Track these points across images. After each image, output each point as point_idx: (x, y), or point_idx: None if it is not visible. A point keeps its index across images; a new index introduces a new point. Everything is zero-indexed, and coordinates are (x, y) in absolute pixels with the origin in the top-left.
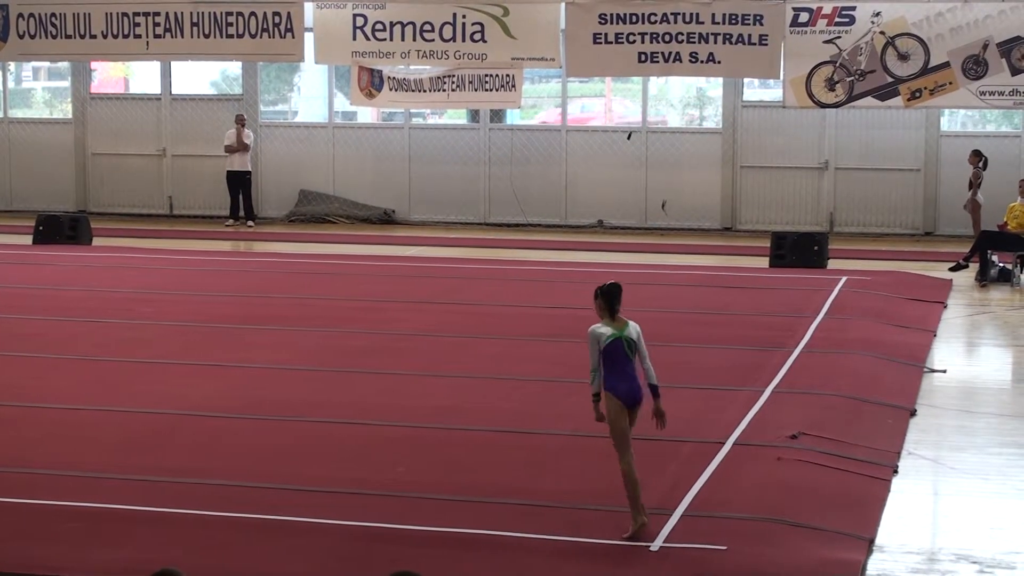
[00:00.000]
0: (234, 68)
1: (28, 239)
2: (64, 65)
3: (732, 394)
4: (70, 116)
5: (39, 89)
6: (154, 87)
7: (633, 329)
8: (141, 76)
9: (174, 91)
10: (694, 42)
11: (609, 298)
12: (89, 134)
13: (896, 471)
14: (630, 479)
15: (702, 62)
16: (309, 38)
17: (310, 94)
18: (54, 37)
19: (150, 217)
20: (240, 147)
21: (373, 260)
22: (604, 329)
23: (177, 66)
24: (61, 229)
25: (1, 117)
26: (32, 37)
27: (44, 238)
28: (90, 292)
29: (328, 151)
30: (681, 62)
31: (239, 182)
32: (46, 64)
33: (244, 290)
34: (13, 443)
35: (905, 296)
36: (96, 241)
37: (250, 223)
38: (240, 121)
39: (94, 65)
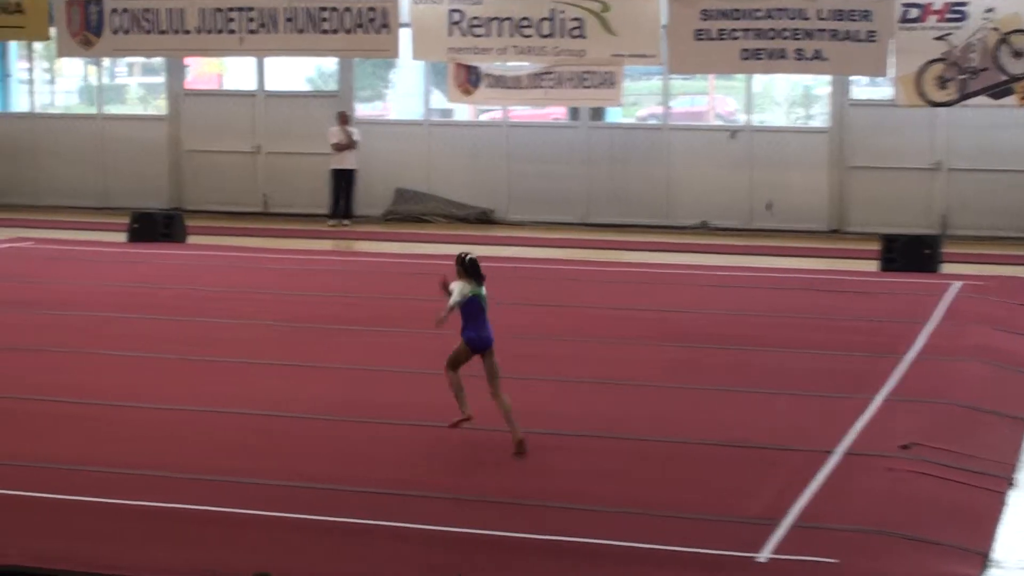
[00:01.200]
0: (329, 64)
1: (123, 236)
2: (158, 61)
3: (841, 401)
4: (164, 112)
5: (133, 85)
6: (249, 83)
7: (483, 287)
8: (235, 72)
9: (268, 87)
10: (799, 38)
11: (473, 269)
12: (183, 130)
13: (1012, 483)
14: (454, 381)
15: (808, 59)
16: (405, 34)
17: (406, 91)
18: (148, 33)
19: (244, 215)
20: (349, 144)
21: None
22: (467, 287)
23: (271, 62)
24: (156, 227)
25: (95, 113)
26: (126, 33)
27: (139, 236)
28: (186, 291)
29: (424, 149)
30: (786, 59)
31: (345, 180)
32: (140, 60)
33: (341, 290)
34: (106, 442)
35: (1022, 302)
36: (190, 239)
37: (346, 222)
38: (343, 119)
39: (188, 61)
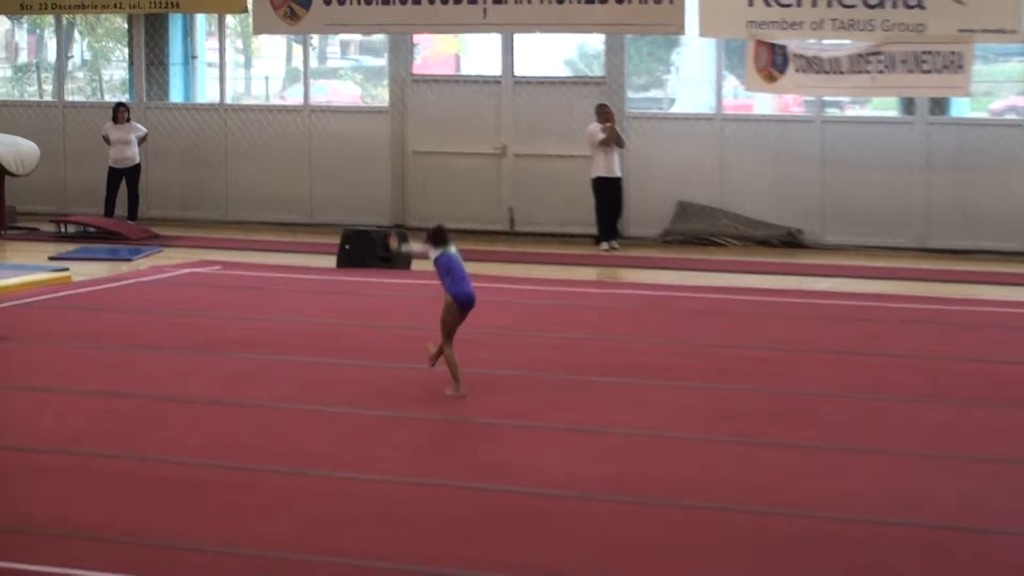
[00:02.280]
0: (595, 43)
1: (331, 261)
2: (379, 39)
3: None
4: (386, 104)
5: (348, 69)
6: (493, 67)
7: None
8: (476, 53)
9: (518, 73)
10: None
11: (439, 235)
12: (410, 127)
13: None
14: (451, 359)
15: None
16: (691, 5)
17: (691, 77)
18: (368, 3)
19: (485, 234)
20: (616, 144)
21: (774, 296)
22: (435, 250)
23: (521, 40)
24: (372, 249)
25: (300, 105)
26: (340, 3)
27: (351, 260)
28: (410, 331)
29: (715, 151)
30: None
31: (613, 191)
32: (357, 37)
33: (604, 331)
34: (320, 524)
35: None
36: (417, 265)
37: (614, 244)
38: (605, 113)
39: (417, 39)
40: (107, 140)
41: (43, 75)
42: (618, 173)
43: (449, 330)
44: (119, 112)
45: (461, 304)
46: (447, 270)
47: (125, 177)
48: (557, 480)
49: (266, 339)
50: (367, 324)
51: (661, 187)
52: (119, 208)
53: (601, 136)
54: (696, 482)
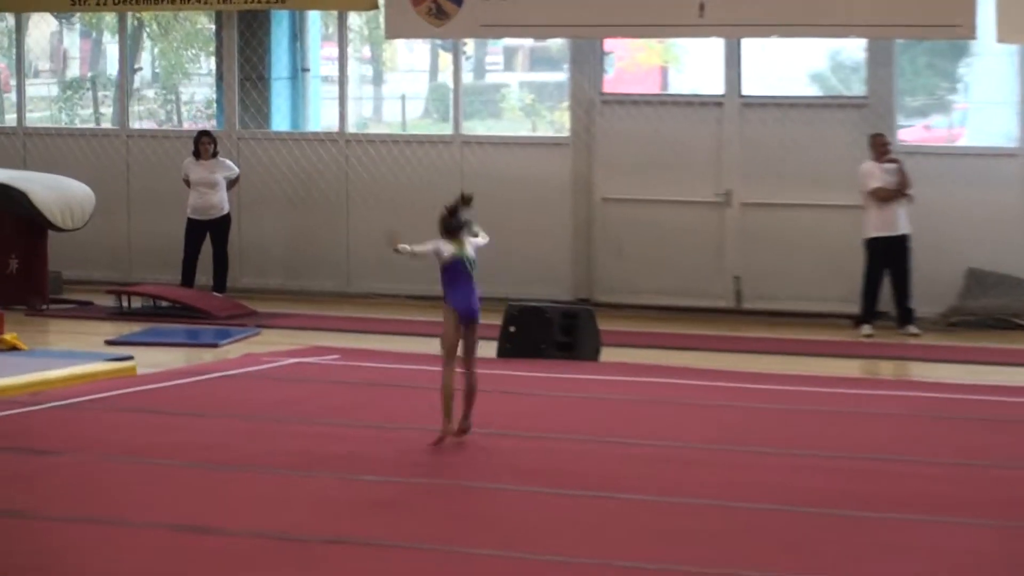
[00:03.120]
0: (854, 50)
1: (490, 348)
2: (556, 44)
3: None
4: (566, 133)
5: (515, 86)
6: (713, 84)
7: (469, 247)
8: (691, 65)
9: (746, 91)
10: None
11: (451, 222)
12: (598, 165)
13: None
14: (447, 390)
15: None
16: (985, 4)
17: (985, 97)
18: None
19: (701, 313)
20: (901, 189)
21: None
22: (447, 247)
23: (750, 46)
24: (548, 332)
25: (450, 135)
26: None
27: (517, 347)
28: (597, 447)
29: (1019, 200)
30: None
31: (898, 255)
32: (526, 43)
33: (868, 448)
34: None
35: None
36: (607, 353)
37: (912, 329)
38: (883, 146)
39: (609, 45)
40: (187, 183)
41: (100, 94)
42: (904, 229)
43: (448, 347)
44: (202, 144)
45: (461, 314)
46: (451, 280)
47: (210, 232)
48: None
49: (403, 456)
50: (541, 435)
51: (945, 249)
52: (201, 275)
53: (877, 183)
54: None
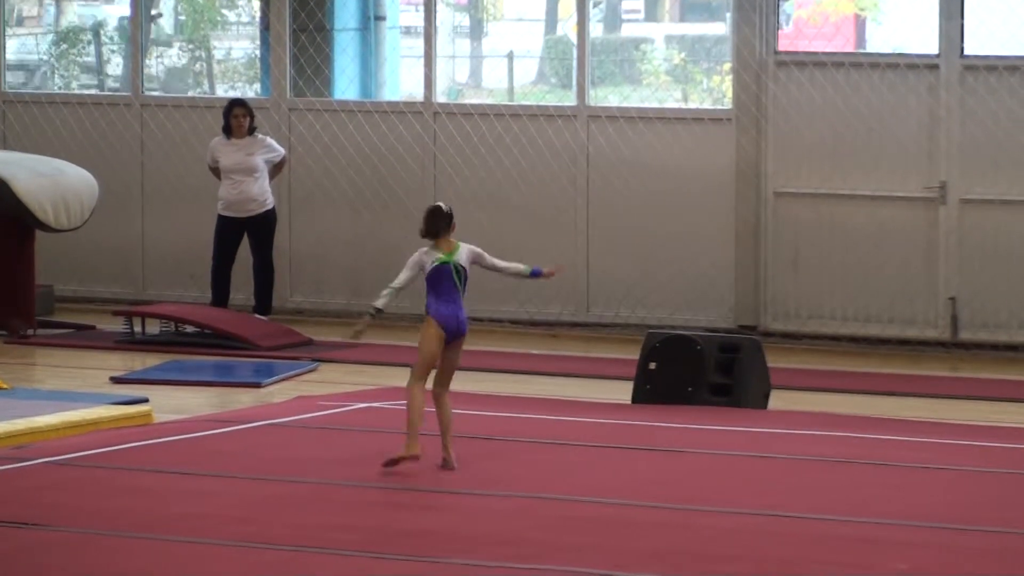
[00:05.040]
0: None
1: (623, 391)
2: None
3: None
4: (728, 105)
5: (660, 41)
6: (925, 41)
7: (464, 253)
8: (897, 15)
9: (969, 50)
10: None
11: (431, 222)
12: (772, 148)
13: None
14: (416, 408)
15: None
16: None
17: None
18: None
19: (907, 346)
20: None
21: None
22: (431, 255)
23: None
24: (700, 370)
25: (574, 105)
26: None
27: (658, 390)
28: (773, 523)
29: None
30: None
31: None
32: None
33: None
34: None
35: None
36: (777, 400)
37: None
38: None
39: None
40: (215, 171)
41: (106, 49)
42: None
43: (424, 361)
44: (235, 118)
45: (444, 327)
46: (433, 287)
47: (248, 234)
48: None
49: (507, 534)
50: (692, 507)
51: None
52: (238, 291)
53: None
54: None
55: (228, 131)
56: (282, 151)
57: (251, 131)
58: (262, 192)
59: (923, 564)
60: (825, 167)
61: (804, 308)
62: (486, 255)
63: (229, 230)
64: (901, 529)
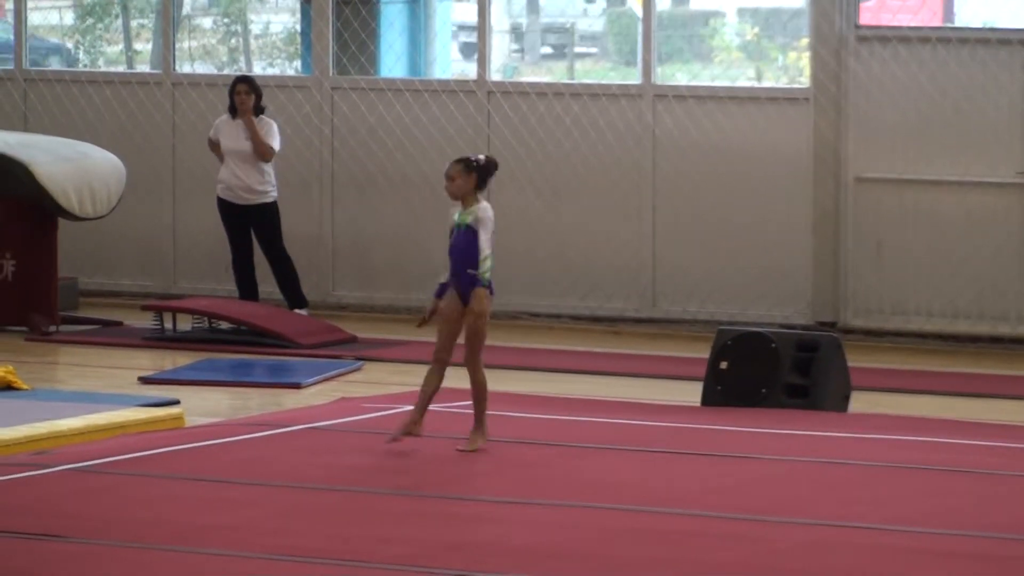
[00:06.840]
0: None
1: (691, 392)
2: None
3: None
4: (806, 84)
5: (731, 14)
6: (1020, 15)
7: (476, 213)
8: None
9: None
10: None
11: (484, 173)
12: (852, 131)
13: None
14: (432, 384)
15: None
16: None
17: None
18: None
19: (1010, 345)
20: None
21: None
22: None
23: None
24: (773, 369)
25: (639, 84)
26: None
27: (730, 391)
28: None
29: None
30: None
31: None
32: None
33: None
34: None
35: None
36: (858, 402)
37: None
38: None
39: None
40: (215, 150)
41: (135, 24)
42: None
43: (439, 340)
44: (238, 96)
45: (460, 294)
46: (450, 249)
47: (252, 226)
48: None
49: (569, 547)
50: (770, 518)
51: None
52: (263, 284)
53: None
54: None
55: (232, 108)
56: (277, 140)
57: (259, 112)
58: (261, 182)
59: None
60: (910, 151)
61: (887, 303)
62: (484, 232)
63: (230, 216)
64: (993, 543)
